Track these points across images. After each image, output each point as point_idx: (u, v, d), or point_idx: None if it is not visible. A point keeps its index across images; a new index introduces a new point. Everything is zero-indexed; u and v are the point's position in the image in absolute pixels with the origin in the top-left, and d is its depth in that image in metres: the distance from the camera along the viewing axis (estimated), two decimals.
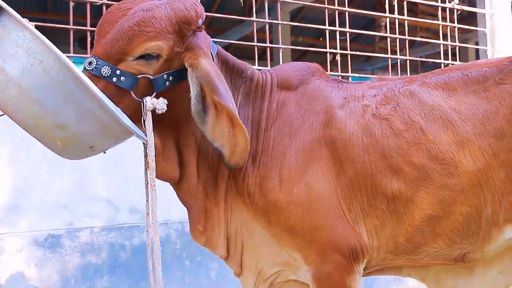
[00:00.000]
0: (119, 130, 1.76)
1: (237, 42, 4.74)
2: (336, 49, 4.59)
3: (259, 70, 2.25)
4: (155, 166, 1.86)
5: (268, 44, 4.16)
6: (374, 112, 2.05)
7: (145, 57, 1.81)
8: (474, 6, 5.71)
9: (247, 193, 2.03)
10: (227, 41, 4.63)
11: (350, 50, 4.66)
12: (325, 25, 4.56)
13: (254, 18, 4.20)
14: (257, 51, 4.16)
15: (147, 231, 2.03)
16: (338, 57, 4.56)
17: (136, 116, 1.83)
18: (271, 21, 4.32)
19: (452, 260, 2.13)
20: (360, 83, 2.22)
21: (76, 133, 1.70)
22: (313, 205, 1.98)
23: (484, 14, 5.51)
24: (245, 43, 4.52)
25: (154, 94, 1.84)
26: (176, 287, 3.64)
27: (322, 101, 2.09)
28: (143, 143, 1.90)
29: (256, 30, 4.28)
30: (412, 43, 11.64)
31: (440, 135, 1.98)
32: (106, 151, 1.87)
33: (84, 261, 3.41)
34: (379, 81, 2.22)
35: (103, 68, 1.76)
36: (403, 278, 4.56)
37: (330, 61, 4.39)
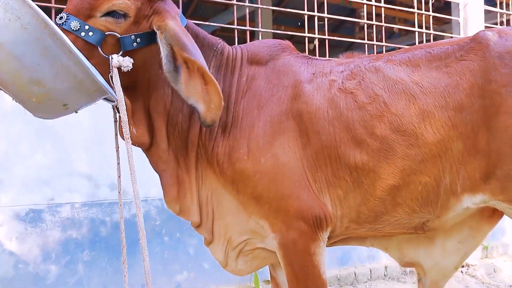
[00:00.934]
0: (92, 88, 1.78)
1: (220, 25, 4.74)
2: (315, 38, 4.62)
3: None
4: (127, 119, 1.86)
5: (248, 27, 4.17)
6: (340, 86, 2.07)
7: (113, 14, 1.85)
8: None
9: (217, 162, 2.06)
10: (213, 24, 4.59)
11: (330, 40, 4.70)
12: (311, 15, 4.59)
13: (234, 2, 4.20)
14: (239, 40, 4.17)
15: (120, 192, 2.07)
16: (316, 42, 4.58)
17: (105, 76, 1.85)
18: (251, 5, 4.32)
19: (412, 229, 2.18)
20: (329, 60, 2.24)
21: (51, 89, 1.71)
22: (279, 175, 2.00)
23: (458, 3, 5.58)
24: (229, 26, 4.52)
25: (121, 52, 1.86)
26: (156, 262, 3.66)
27: (290, 76, 2.11)
28: (113, 108, 1.94)
29: (239, 18, 4.27)
30: (390, 35, 11.75)
31: (402, 107, 2.01)
32: (78, 111, 1.88)
33: (65, 235, 3.41)
34: (347, 58, 2.25)
35: (72, 22, 1.79)
36: (376, 255, 4.66)
37: (309, 50, 4.41)
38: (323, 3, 4.71)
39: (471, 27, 5.45)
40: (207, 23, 4.36)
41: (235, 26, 4.13)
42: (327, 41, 4.67)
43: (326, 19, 4.68)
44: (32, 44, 1.62)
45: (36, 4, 1.62)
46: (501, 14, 6.03)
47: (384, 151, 2.00)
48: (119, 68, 1.84)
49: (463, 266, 4.87)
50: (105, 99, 1.95)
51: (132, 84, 1.97)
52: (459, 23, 5.56)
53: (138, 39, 1.90)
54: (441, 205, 2.08)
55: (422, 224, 2.15)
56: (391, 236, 2.31)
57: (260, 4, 4.39)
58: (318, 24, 4.68)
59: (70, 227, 3.44)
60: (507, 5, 6.10)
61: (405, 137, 2.00)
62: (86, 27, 1.81)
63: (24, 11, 1.58)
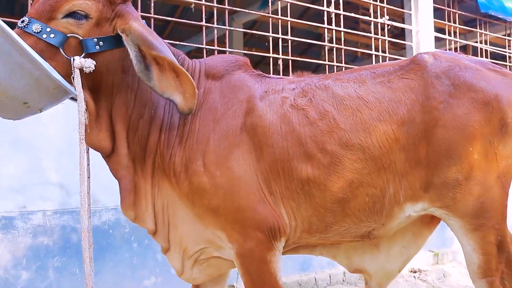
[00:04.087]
0: (51, 86, 1.73)
1: (194, 45, 4.75)
2: (282, 60, 4.66)
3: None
4: (85, 121, 1.82)
5: (217, 48, 4.19)
6: (292, 103, 2.07)
7: (74, 15, 1.81)
8: (404, 23, 5.91)
9: (173, 172, 2.01)
10: (188, 44, 4.60)
11: (296, 62, 4.74)
12: (276, 37, 4.64)
13: (204, 23, 4.21)
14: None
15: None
16: (280, 62, 4.63)
17: (68, 78, 1.81)
18: (220, 26, 4.35)
19: (359, 237, 2.19)
20: (281, 78, 2.25)
21: (7, 87, 1.66)
22: (235, 188, 1.96)
23: (411, 30, 5.71)
24: (200, 46, 4.54)
25: (83, 54, 1.82)
26: (125, 268, 3.60)
27: (245, 91, 2.09)
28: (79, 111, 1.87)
29: (212, 40, 4.26)
30: (354, 58, 11.96)
31: (350, 123, 2.02)
32: (42, 110, 1.82)
33: (36, 242, 3.32)
34: (298, 77, 2.25)
35: (34, 25, 1.76)
36: (335, 262, 4.68)
37: (276, 71, 4.45)
38: (291, 28, 4.77)
39: (423, 51, 5.58)
40: (183, 43, 4.36)
41: (204, 46, 4.15)
42: (290, 62, 4.72)
43: (290, 41, 4.73)
44: None
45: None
46: (450, 41, 6.19)
47: (334, 165, 2.01)
48: (81, 70, 1.80)
49: (415, 272, 4.92)
50: (73, 99, 1.89)
51: (96, 87, 1.93)
52: (412, 48, 5.69)
53: (101, 43, 1.86)
54: (386, 214, 2.10)
55: (369, 232, 2.17)
56: (339, 244, 2.32)
57: (232, 27, 4.43)
58: (283, 46, 4.73)
59: (42, 234, 3.35)
60: (455, 33, 6.27)
61: (353, 152, 2.00)
62: (48, 29, 1.77)
63: None
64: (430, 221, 2.35)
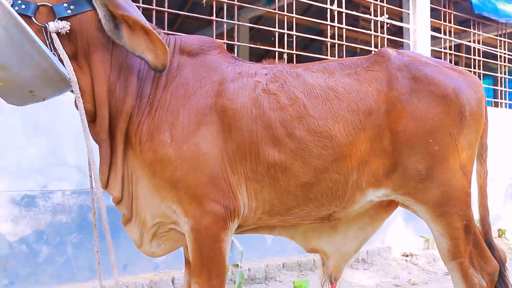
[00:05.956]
0: (56, 78, 1.77)
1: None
2: (287, 54, 4.71)
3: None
4: (76, 80, 1.81)
5: (225, 41, 4.24)
6: (264, 87, 2.02)
7: None
8: (402, 22, 5.96)
9: (139, 140, 1.94)
10: None
11: (299, 57, 4.79)
12: (281, 32, 4.70)
13: (214, 18, 4.27)
14: None
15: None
16: (285, 56, 4.68)
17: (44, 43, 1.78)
18: (228, 21, 4.40)
19: (319, 219, 2.17)
20: (254, 63, 2.20)
21: (16, 75, 1.70)
22: (199, 163, 1.91)
23: (409, 28, 5.76)
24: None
25: (57, 19, 1.81)
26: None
27: (218, 72, 2.04)
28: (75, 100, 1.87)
29: (220, 33, 4.30)
30: (353, 54, 11.97)
31: (319, 111, 2.00)
32: (45, 99, 1.86)
33: (55, 219, 3.41)
34: (270, 64, 2.21)
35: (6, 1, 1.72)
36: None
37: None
38: (295, 23, 4.82)
39: (420, 50, 5.63)
40: (185, 35, 4.40)
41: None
42: (294, 56, 4.77)
43: (294, 37, 4.79)
44: None
45: None
46: (445, 40, 6.24)
47: (301, 150, 1.97)
48: (58, 33, 1.79)
49: (407, 256, 5.01)
50: (73, 91, 1.90)
51: (74, 52, 1.88)
52: (410, 45, 5.73)
53: (72, 6, 1.83)
54: (347, 198, 2.09)
55: (329, 215, 2.15)
56: (298, 225, 2.29)
57: (238, 22, 4.48)
58: (288, 41, 4.78)
59: (61, 212, 3.43)
60: (450, 32, 6.31)
61: (321, 138, 1.98)
62: (19, 1, 1.76)
63: None
64: (388, 204, 2.34)
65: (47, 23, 1.79)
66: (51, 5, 1.81)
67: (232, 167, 1.97)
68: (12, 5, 1.73)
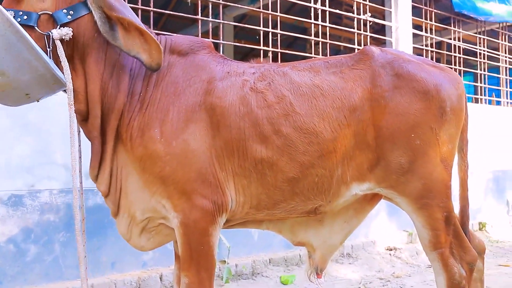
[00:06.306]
0: (51, 81, 1.82)
1: None
2: (272, 52, 4.76)
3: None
4: (72, 87, 1.86)
5: (210, 39, 4.27)
6: (252, 86, 2.07)
7: None
8: (385, 20, 6.05)
9: (130, 137, 1.98)
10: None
11: (284, 55, 4.84)
12: (265, 31, 4.74)
13: (199, 17, 4.29)
14: None
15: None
16: (269, 54, 4.73)
17: (45, 50, 1.84)
18: (213, 20, 4.43)
19: (306, 213, 2.22)
20: (242, 62, 2.25)
21: (14, 80, 1.74)
22: (188, 159, 1.95)
23: (391, 26, 5.85)
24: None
25: (58, 26, 1.86)
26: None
27: (207, 72, 2.08)
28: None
29: (204, 32, 4.34)
30: (337, 52, 12.06)
31: (305, 108, 2.05)
32: (39, 100, 1.90)
33: (43, 218, 3.41)
34: (257, 63, 2.26)
35: (8, 12, 1.75)
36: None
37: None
38: (279, 21, 4.87)
39: (402, 47, 5.73)
40: (175, 35, 4.43)
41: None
42: (279, 54, 4.82)
43: (279, 35, 4.84)
44: None
45: None
46: (426, 38, 6.35)
47: (287, 146, 2.02)
48: (62, 40, 1.84)
49: (391, 250, 5.10)
50: (64, 91, 1.95)
51: (70, 55, 1.93)
52: (392, 43, 5.83)
53: (71, 11, 1.89)
54: (333, 193, 2.14)
55: (315, 208, 2.20)
56: (285, 219, 2.34)
57: (223, 20, 4.51)
58: (272, 39, 4.83)
59: (48, 211, 3.44)
60: (431, 30, 6.43)
61: (306, 135, 2.03)
62: (20, 12, 1.82)
63: None
64: (372, 198, 2.41)
65: (51, 31, 1.84)
66: (51, 12, 1.87)
67: (220, 163, 2.01)
68: (14, 17, 1.78)
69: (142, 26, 1.89)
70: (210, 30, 4.38)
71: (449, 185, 2.21)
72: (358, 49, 5.48)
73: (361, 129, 2.09)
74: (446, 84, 2.20)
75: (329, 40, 5.24)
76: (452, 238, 2.21)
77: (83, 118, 2.02)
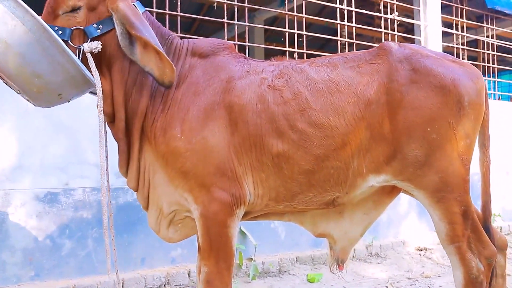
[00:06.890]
0: (82, 82, 1.95)
1: None
2: (302, 54, 4.81)
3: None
4: (102, 95, 2.00)
5: (237, 42, 4.36)
6: (269, 83, 2.14)
7: (70, 10, 2.01)
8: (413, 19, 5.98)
9: (154, 136, 2.09)
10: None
11: (316, 56, 4.86)
12: (293, 33, 4.79)
13: (225, 20, 4.38)
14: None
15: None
16: (295, 56, 4.77)
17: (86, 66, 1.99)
18: (240, 23, 4.51)
19: (324, 205, 2.27)
20: (262, 61, 2.33)
21: (49, 81, 1.88)
22: (207, 155, 2.04)
23: (420, 25, 5.77)
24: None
25: (89, 40, 2.01)
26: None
27: (227, 72, 2.16)
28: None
29: (231, 37, 4.39)
30: None
31: (320, 103, 2.10)
32: (70, 100, 2.04)
33: (77, 215, 3.57)
34: (277, 61, 2.33)
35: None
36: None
37: None
38: (310, 24, 4.90)
39: (431, 46, 5.64)
40: (199, 38, 4.53)
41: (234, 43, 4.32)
42: (305, 55, 4.86)
43: (304, 36, 4.87)
44: (34, 45, 1.79)
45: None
46: (457, 36, 6.23)
47: (303, 141, 2.08)
48: (92, 53, 1.98)
49: (421, 250, 5.03)
50: (91, 92, 2.11)
51: (98, 63, 2.05)
52: (421, 42, 5.75)
53: (101, 26, 2.03)
54: (349, 184, 2.18)
55: (333, 200, 2.24)
56: (305, 211, 2.39)
57: (254, 24, 4.59)
58: (300, 41, 4.87)
59: (82, 208, 3.59)
60: (462, 27, 6.30)
61: (321, 129, 2.08)
62: (56, 28, 1.96)
63: (27, 18, 1.76)
64: (391, 190, 2.42)
65: (82, 45, 1.99)
66: (83, 28, 2.02)
67: (239, 158, 2.09)
68: None
69: (159, 47, 2.00)
70: (236, 33, 4.46)
71: (467, 179, 2.20)
72: None
73: (376, 122, 2.12)
74: (464, 79, 2.19)
75: (362, 41, 5.23)
76: (470, 232, 2.19)
77: (111, 120, 2.15)
